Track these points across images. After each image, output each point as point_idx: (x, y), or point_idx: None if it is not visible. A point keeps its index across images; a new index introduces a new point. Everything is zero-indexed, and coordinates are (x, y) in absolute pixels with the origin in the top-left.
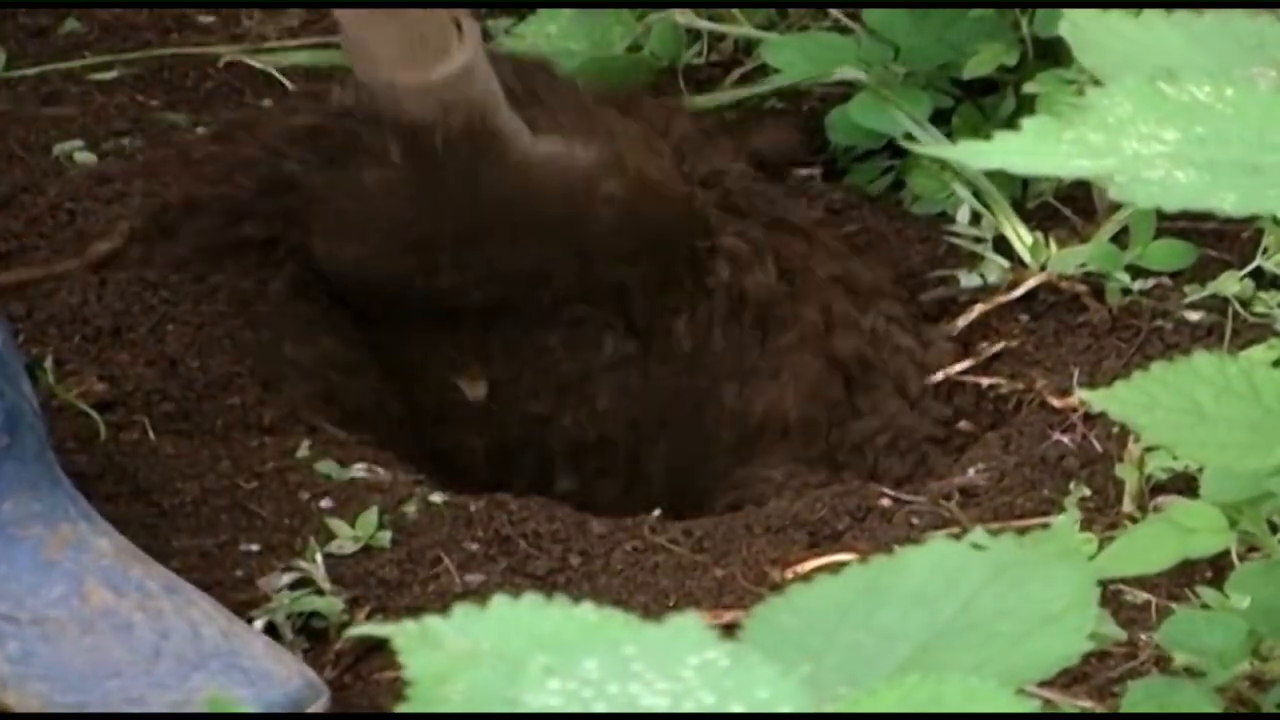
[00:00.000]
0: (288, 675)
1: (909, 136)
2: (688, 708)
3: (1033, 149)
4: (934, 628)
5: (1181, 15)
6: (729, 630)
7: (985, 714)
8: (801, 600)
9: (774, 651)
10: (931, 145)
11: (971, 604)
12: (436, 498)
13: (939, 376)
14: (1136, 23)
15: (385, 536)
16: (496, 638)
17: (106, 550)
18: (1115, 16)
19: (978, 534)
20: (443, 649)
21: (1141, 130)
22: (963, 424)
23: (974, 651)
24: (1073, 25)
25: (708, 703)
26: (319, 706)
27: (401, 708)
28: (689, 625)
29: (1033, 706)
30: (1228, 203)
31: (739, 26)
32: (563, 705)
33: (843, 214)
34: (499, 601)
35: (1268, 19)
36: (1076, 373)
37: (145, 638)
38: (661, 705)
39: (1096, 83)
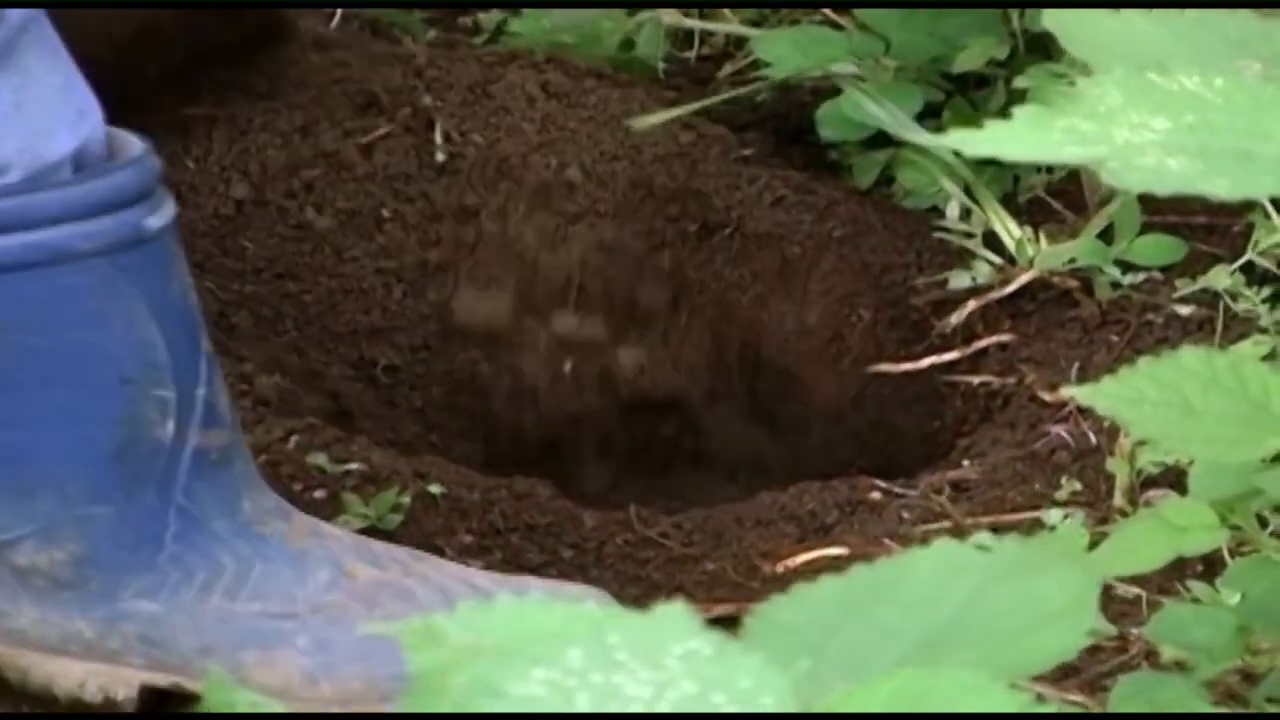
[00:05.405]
0: (585, 595)
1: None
2: (671, 697)
3: (1025, 137)
4: (935, 625)
5: (1162, 12)
6: (721, 624)
7: (977, 707)
8: (804, 597)
9: (775, 647)
10: (923, 135)
11: (973, 601)
12: (433, 489)
13: (925, 364)
14: (1118, 19)
15: (392, 520)
16: (500, 634)
17: (338, 532)
18: (1099, 13)
19: (982, 535)
20: (446, 645)
21: (1132, 119)
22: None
23: (973, 647)
24: (1056, 20)
25: (690, 692)
26: None
27: (403, 703)
28: (673, 614)
29: (1023, 699)
30: (1220, 188)
31: (727, 24)
32: (546, 695)
33: (832, 209)
34: (503, 598)
35: (1248, 16)
36: (1067, 367)
37: (431, 598)
38: (645, 695)
39: (1087, 75)
